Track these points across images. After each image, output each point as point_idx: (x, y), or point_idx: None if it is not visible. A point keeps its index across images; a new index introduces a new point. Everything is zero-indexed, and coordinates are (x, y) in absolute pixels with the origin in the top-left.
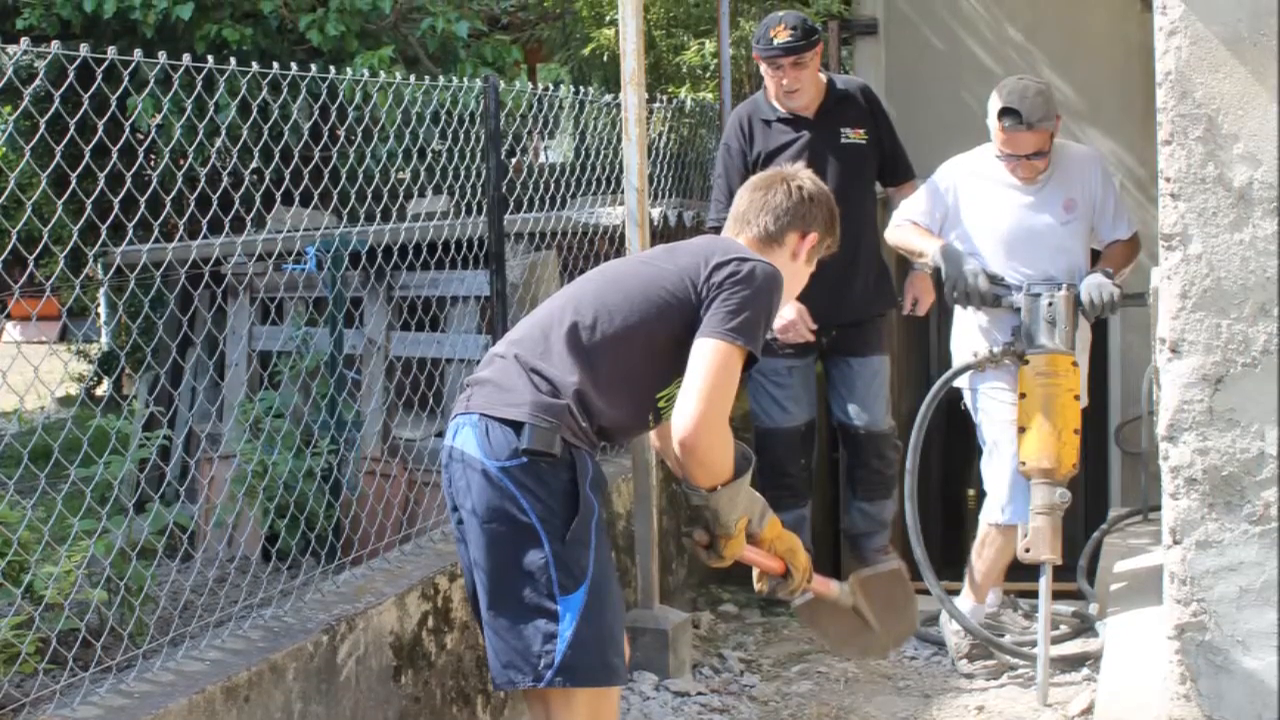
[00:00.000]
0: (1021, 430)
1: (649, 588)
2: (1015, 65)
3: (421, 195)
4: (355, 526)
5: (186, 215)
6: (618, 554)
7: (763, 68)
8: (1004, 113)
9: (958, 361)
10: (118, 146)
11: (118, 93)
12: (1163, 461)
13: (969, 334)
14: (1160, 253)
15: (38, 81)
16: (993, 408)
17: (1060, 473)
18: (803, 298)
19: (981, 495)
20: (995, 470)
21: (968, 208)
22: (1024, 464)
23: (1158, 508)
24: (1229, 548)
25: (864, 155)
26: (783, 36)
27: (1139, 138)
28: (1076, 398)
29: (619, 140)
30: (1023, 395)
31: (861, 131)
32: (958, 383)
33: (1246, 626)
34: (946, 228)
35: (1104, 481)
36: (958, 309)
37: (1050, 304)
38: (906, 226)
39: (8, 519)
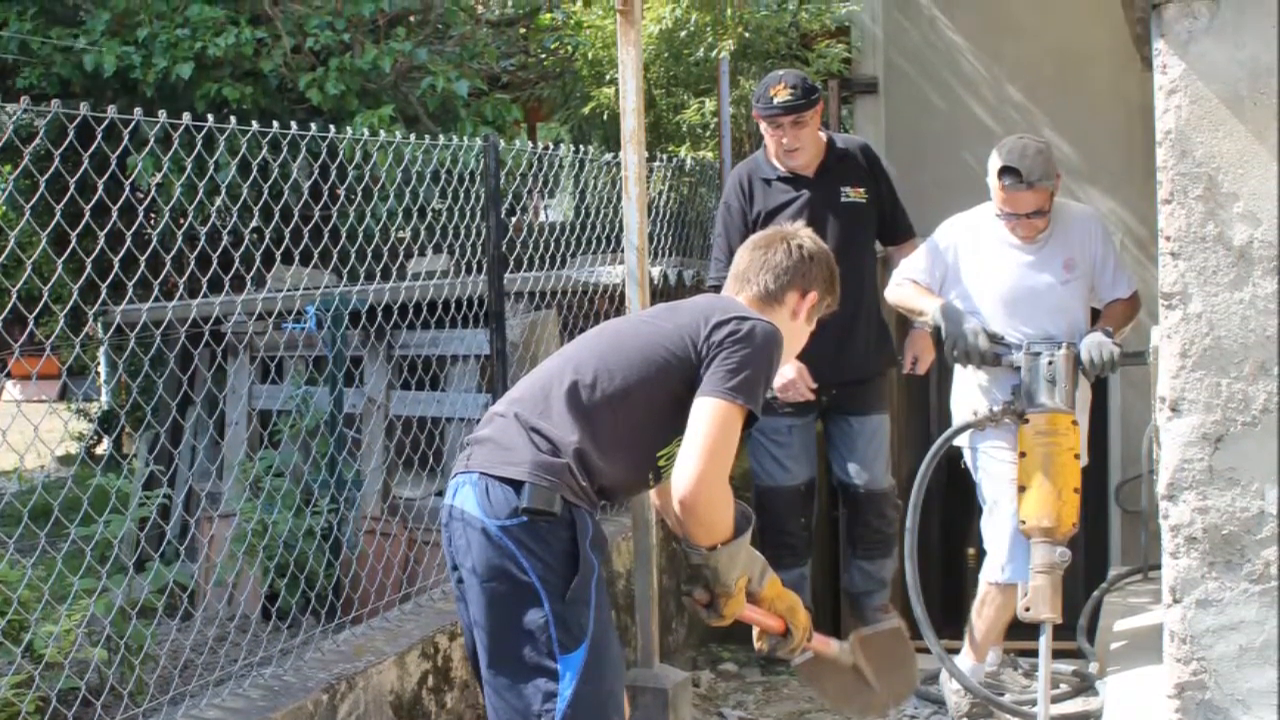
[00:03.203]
0: (1022, 489)
1: (649, 646)
2: (1015, 124)
3: (421, 254)
4: (355, 585)
5: (186, 274)
6: (617, 612)
7: (763, 126)
8: (1004, 171)
9: (958, 420)
10: (118, 205)
11: (118, 151)
12: (1163, 520)
13: (969, 392)
14: (1160, 311)
15: (38, 140)
16: (992, 466)
17: (1060, 532)
18: (803, 356)
19: (981, 554)
20: (995, 528)
21: (967, 266)
22: (1024, 522)
23: (1158, 566)
24: (1229, 606)
25: (864, 214)
26: (783, 95)
27: (1139, 197)
28: (1076, 456)
29: (619, 199)
30: (1023, 454)
31: (862, 190)
32: (958, 441)
33: (1247, 685)
34: (946, 286)
35: (1104, 540)
36: (957, 367)
37: (1050, 363)
38: (906, 285)
39: (8, 578)
